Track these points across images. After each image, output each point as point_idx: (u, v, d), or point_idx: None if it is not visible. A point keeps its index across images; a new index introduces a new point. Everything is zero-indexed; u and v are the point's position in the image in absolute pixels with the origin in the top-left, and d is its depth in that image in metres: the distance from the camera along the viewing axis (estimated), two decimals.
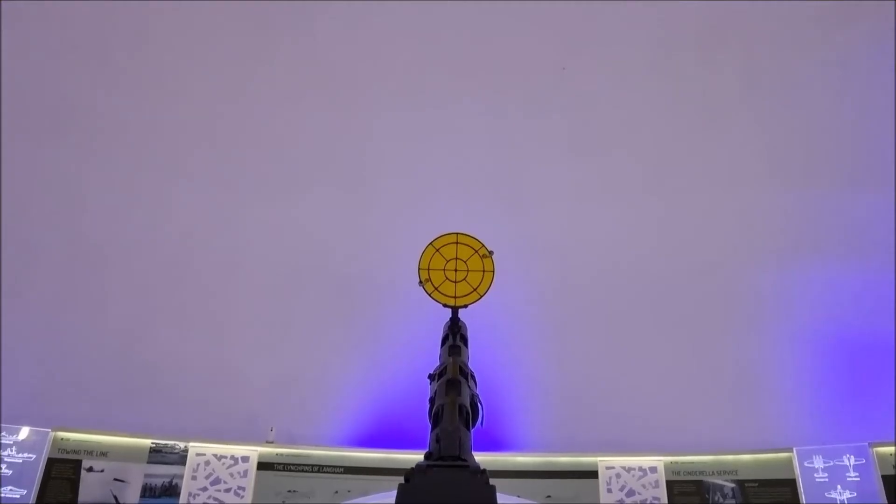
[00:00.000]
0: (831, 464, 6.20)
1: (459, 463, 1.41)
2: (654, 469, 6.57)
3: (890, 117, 7.18)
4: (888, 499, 5.81)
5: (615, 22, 7.64)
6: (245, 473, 6.41)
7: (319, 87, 7.80)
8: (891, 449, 5.99)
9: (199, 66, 7.68)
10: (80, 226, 7.28)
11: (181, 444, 6.40)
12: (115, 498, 6.12)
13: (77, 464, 6.16)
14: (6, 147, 7.09)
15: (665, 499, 6.42)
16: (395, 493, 1.45)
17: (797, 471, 6.29)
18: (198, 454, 6.39)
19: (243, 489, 6.34)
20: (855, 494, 6.02)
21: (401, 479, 1.46)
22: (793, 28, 7.48)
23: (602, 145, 7.89)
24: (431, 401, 1.88)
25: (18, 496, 5.88)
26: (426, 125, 7.82)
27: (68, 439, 6.23)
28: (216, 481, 6.33)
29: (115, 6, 7.29)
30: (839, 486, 6.10)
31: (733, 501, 6.36)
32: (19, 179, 7.12)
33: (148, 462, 6.31)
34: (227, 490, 6.32)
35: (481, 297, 2.32)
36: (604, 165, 7.86)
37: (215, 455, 6.42)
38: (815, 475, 6.23)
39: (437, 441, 1.52)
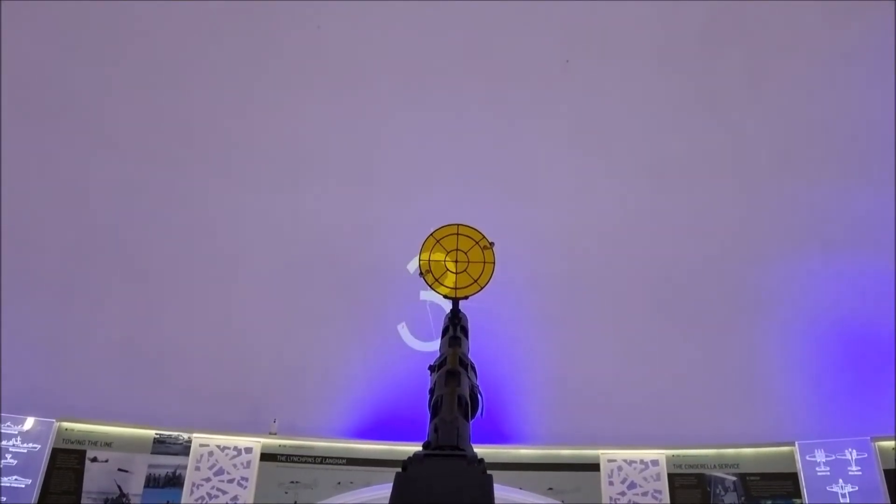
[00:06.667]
0: (833, 458, 6.20)
1: (457, 452, 1.42)
2: (655, 462, 6.58)
3: (894, 112, 7.15)
4: (890, 492, 5.81)
5: (619, 15, 7.61)
6: (248, 464, 6.45)
7: (324, 79, 7.79)
8: (892, 443, 5.99)
9: (204, 59, 7.67)
10: (84, 217, 7.30)
11: (185, 435, 6.44)
12: (119, 488, 6.16)
13: (81, 454, 6.20)
14: (11, 139, 7.10)
15: (666, 491, 6.44)
16: None
17: (799, 464, 6.30)
18: (201, 445, 6.43)
19: (246, 480, 6.38)
20: (856, 488, 6.03)
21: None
22: (797, 22, 7.43)
23: (605, 138, 7.87)
24: (431, 391, 1.89)
25: (23, 486, 5.93)
26: (429, 117, 7.81)
27: (73, 430, 6.27)
28: (219, 472, 6.37)
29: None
30: (841, 480, 6.11)
31: (735, 495, 6.37)
32: (23, 171, 7.13)
33: (152, 452, 6.35)
34: (231, 481, 6.36)
35: (482, 288, 2.32)
36: (607, 158, 7.84)
37: (219, 446, 6.46)
38: (817, 469, 6.23)
39: (436, 431, 1.52)
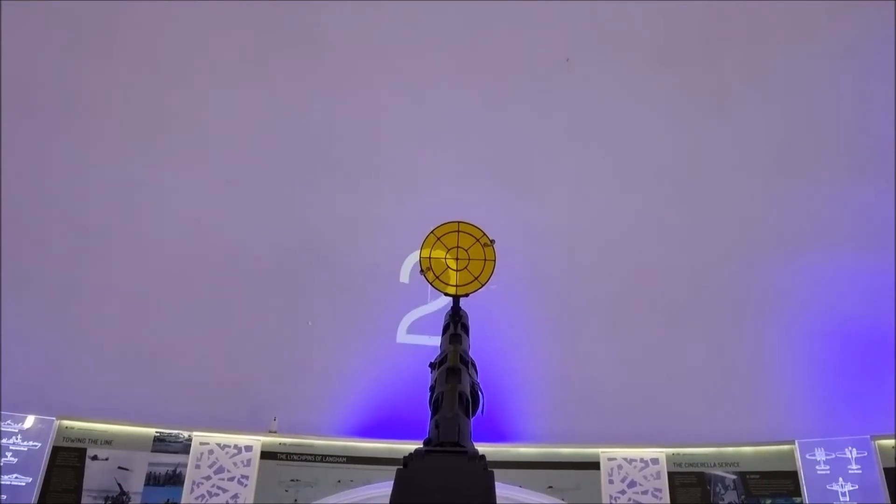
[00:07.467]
0: (833, 456, 6.21)
1: (458, 449, 1.42)
2: (655, 461, 6.58)
3: (894, 111, 7.15)
4: (890, 491, 5.81)
5: (619, 14, 7.60)
6: (248, 462, 6.45)
7: (322, 77, 7.79)
8: (892, 441, 5.99)
9: (203, 56, 7.67)
10: (85, 215, 7.30)
11: (185, 434, 6.43)
12: (120, 486, 6.16)
13: (82, 452, 6.20)
14: (11, 136, 7.10)
15: (666, 490, 6.44)
16: None
17: (799, 463, 6.30)
18: (201, 443, 6.43)
19: (246, 478, 6.38)
20: (856, 487, 6.03)
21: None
22: (797, 20, 7.43)
23: (605, 136, 7.88)
24: (432, 389, 1.88)
25: (24, 484, 5.92)
26: (428, 114, 7.81)
27: (73, 428, 6.27)
28: (220, 470, 6.37)
29: None
30: (841, 479, 6.11)
31: (735, 493, 6.38)
32: (24, 168, 7.13)
33: (152, 451, 6.34)
34: (231, 479, 6.36)
35: (483, 285, 2.32)
36: (607, 156, 7.84)
37: (219, 444, 6.46)
38: (817, 467, 6.23)
39: (437, 427, 1.52)
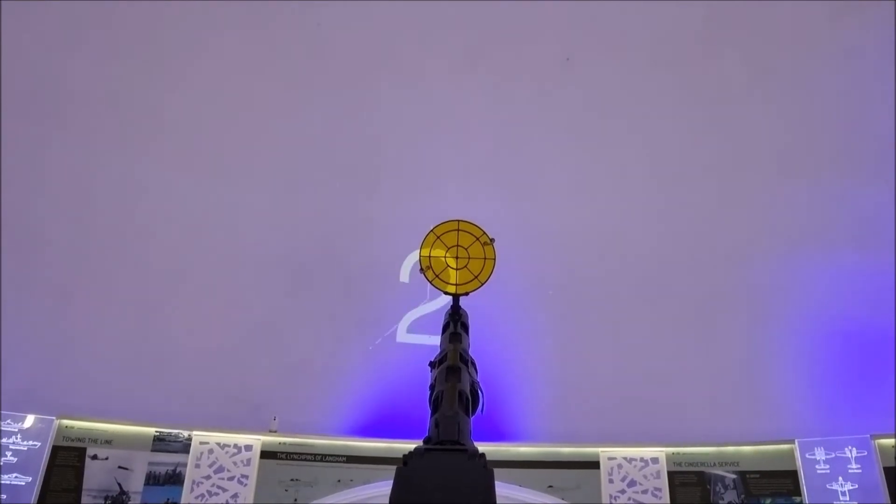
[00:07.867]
0: (833, 455, 6.21)
1: (458, 447, 1.42)
2: (655, 460, 6.59)
3: (894, 111, 7.14)
4: (890, 490, 5.82)
5: (619, 13, 7.60)
6: (248, 462, 6.45)
7: (322, 77, 7.78)
8: (892, 441, 5.99)
9: (202, 56, 7.67)
10: (86, 215, 7.29)
11: (185, 433, 6.44)
12: (120, 485, 6.16)
13: (82, 451, 6.20)
14: (14, 135, 7.10)
15: (666, 489, 6.45)
16: None
17: (799, 462, 6.31)
18: (201, 443, 6.43)
19: (246, 477, 6.38)
20: (856, 486, 6.03)
21: None
22: (797, 21, 7.43)
23: (606, 135, 7.87)
24: (432, 387, 1.88)
25: (24, 483, 5.93)
26: (429, 114, 7.81)
27: (73, 427, 6.27)
28: (219, 469, 6.37)
29: None
30: (841, 478, 6.11)
31: (735, 492, 6.38)
32: (26, 168, 7.13)
33: (152, 450, 6.35)
34: (231, 478, 6.37)
35: (482, 284, 2.31)
36: (607, 155, 7.84)
37: (219, 444, 6.46)
38: (817, 467, 6.24)
39: (436, 426, 1.52)
